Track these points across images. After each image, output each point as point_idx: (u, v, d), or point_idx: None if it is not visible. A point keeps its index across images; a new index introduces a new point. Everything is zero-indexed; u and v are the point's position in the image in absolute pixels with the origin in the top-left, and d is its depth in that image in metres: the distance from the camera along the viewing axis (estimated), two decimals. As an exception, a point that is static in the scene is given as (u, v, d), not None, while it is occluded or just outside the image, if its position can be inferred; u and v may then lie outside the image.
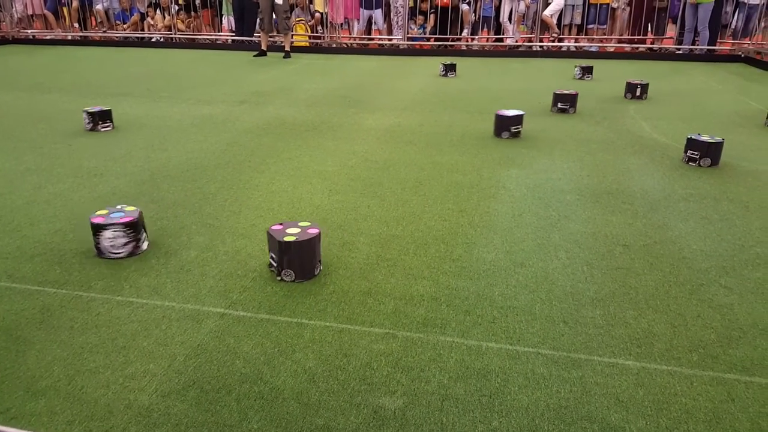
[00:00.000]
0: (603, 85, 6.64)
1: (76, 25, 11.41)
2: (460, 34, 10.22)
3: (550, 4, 9.68)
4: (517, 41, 10.13)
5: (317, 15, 10.57)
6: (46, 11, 11.49)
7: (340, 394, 1.54)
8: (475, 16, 10.11)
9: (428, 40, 10.21)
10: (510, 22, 10.12)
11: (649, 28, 9.81)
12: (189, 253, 2.38)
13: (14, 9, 11.43)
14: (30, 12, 11.52)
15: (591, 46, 9.92)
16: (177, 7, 10.87)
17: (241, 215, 2.76)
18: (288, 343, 1.77)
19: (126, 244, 2.33)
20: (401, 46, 10.25)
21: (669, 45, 9.65)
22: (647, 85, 5.78)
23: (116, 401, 1.51)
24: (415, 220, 2.72)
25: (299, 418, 1.46)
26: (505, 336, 1.81)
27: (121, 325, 1.86)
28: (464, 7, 9.94)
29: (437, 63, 7.78)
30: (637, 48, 9.96)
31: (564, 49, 9.98)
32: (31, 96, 5.97)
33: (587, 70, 7.13)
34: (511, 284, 2.13)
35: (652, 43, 9.93)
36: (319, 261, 2.22)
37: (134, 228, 2.34)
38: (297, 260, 2.12)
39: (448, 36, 10.09)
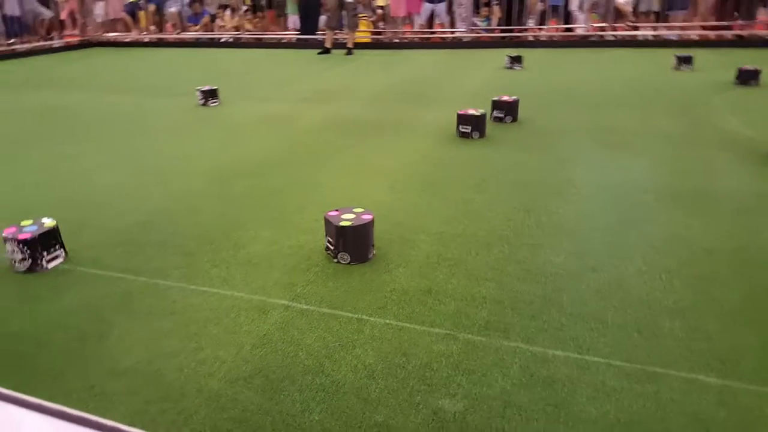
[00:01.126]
0: (690, 76, 6.32)
1: (152, 27, 11.98)
2: (526, 25, 9.99)
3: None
4: (588, 30, 9.76)
5: (379, 11, 10.62)
6: (124, 14, 12.13)
7: (400, 393, 1.57)
8: (543, 5, 9.84)
9: (493, 31, 10.04)
10: (581, 11, 9.77)
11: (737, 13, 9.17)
12: (256, 246, 2.47)
13: (97, 15, 12.14)
14: (111, 16, 12.19)
15: (671, 35, 9.41)
16: (245, 8, 11.20)
17: (305, 211, 2.84)
18: (349, 338, 1.82)
19: (23, 260, 2.26)
20: (464, 39, 10.13)
21: (761, 31, 8.99)
22: (759, 72, 5.62)
23: (189, 385, 1.60)
24: (477, 219, 2.70)
25: (359, 413, 1.50)
26: (573, 344, 1.76)
27: (194, 312, 1.97)
28: (531, -3, 9.72)
29: (502, 55, 7.65)
30: (723, 35, 9.33)
31: (640, 38, 9.52)
32: (110, 96, 6.33)
33: (685, 60, 6.73)
34: (581, 289, 2.07)
35: (742, 29, 9.28)
36: (373, 245, 2.33)
37: (31, 246, 2.24)
38: (352, 244, 2.26)
39: (513, 27, 9.89)
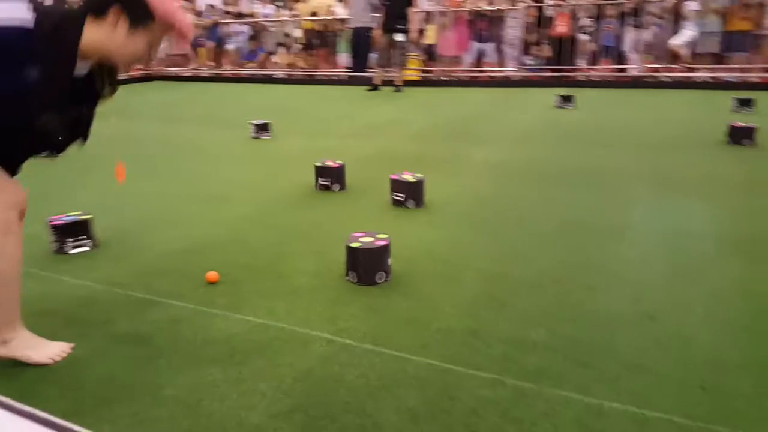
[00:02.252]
0: (750, 119, 6.11)
1: (211, 62, 12.54)
2: (577, 65, 9.93)
3: (679, 31, 9.12)
4: (642, 71, 9.61)
5: (424, 42, 10.80)
6: (188, 49, 12.75)
7: (444, 437, 1.50)
8: (595, 45, 9.78)
9: (542, 70, 10.02)
10: (634, 52, 9.65)
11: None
12: (300, 278, 2.47)
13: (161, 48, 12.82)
14: (174, 51, 12.84)
15: (730, 77, 9.14)
16: (299, 47, 11.60)
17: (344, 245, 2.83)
18: (391, 377, 1.76)
19: (54, 242, 2.72)
20: (513, 78, 10.15)
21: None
22: None
23: (229, 417, 1.58)
24: (527, 259, 2.63)
25: (402, 456, 1.44)
26: (630, 397, 1.65)
27: (238, 342, 1.96)
28: (582, 36, 9.67)
29: (552, 94, 7.60)
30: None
31: (697, 80, 9.30)
32: (169, 126, 6.60)
33: (745, 103, 6.50)
34: (639, 338, 1.96)
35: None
36: (385, 271, 2.41)
37: (61, 231, 2.71)
38: (361, 265, 2.38)
39: (563, 66, 9.84)
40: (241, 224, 3.16)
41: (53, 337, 1.99)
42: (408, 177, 3.41)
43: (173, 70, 12.83)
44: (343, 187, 3.75)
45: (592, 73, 9.92)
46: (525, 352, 1.89)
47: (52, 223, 2.72)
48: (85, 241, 2.72)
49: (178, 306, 2.22)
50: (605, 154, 4.66)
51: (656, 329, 2.01)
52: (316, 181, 3.79)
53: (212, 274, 2.41)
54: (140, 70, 12.71)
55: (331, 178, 3.73)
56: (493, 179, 4.01)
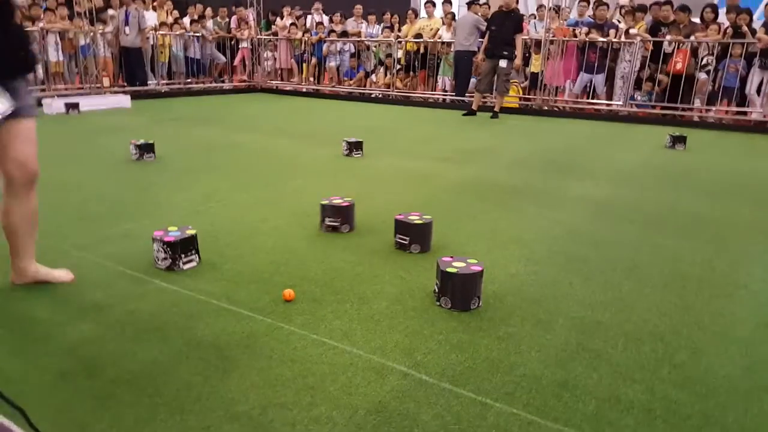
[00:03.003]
0: None
1: (312, 78, 13.00)
2: (692, 104, 9.28)
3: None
4: (766, 116, 8.82)
5: (529, 71, 10.54)
6: (292, 62, 13.32)
7: (524, 501, 1.36)
8: (714, 86, 9.09)
9: (654, 107, 9.45)
10: (758, 95, 8.89)
11: None
12: (380, 303, 2.41)
13: (266, 63, 13.50)
14: (278, 66, 13.45)
15: None
16: (398, 67, 11.74)
17: (432, 272, 2.73)
18: (469, 422, 1.64)
19: (164, 259, 2.65)
20: (621, 113, 9.66)
21: None
22: None
23: (298, 443, 1.53)
24: (626, 309, 2.41)
25: None
26: (739, 479, 1.45)
27: (312, 364, 1.92)
28: (702, 75, 9.02)
29: (663, 133, 7.13)
30: None
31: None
32: (266, 138, 6.85)
33: None
34: (752, 411, 1.73)
35: None
36: (478, 297, 2.38)
37: (172, 248, 2.64)
38: (457, 290, 2.34)
39: (677, 105, 9.23)
40: (326, 241, 3.16)
41: (138, 340, 2.05)
42: (415, 218, 3.06)
43: (275, 83, 13.43)
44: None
45: (709, 114, 9.22)
46: (620, 411, 1.71)
47: (165, 239, 2.62)
48: (194, 256, 2.72)
49: (256, 319, 2.22)
50: (719, 202, 4.26)
51: (776, 406, 1.75)
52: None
53: (289, 292, 2.40)
54: (244, 81, 13.44)
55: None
56: (592, 217, 3.77)
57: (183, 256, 2.66)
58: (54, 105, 8.57)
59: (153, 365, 1.88)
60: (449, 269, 2.35)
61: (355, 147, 5.68)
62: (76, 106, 8.68)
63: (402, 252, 3.01)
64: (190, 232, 2.74)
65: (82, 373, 1.83)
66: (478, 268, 2.38)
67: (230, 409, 1.66)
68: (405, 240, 3.00)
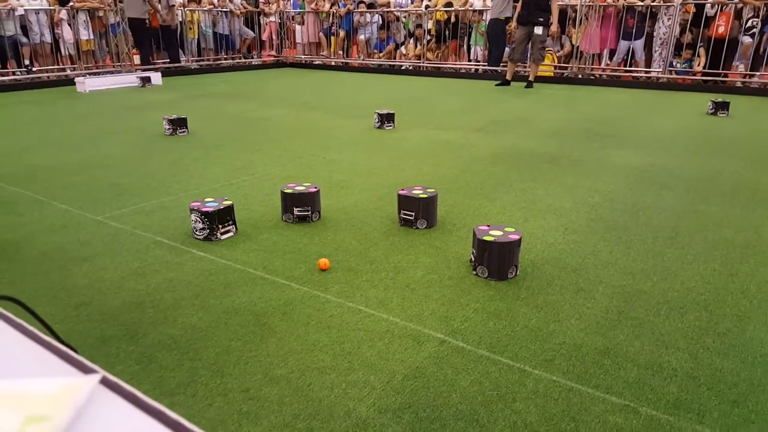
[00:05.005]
0: None
1: (341, 52, 12.88)
2: (736, 69, 8.88)
3: None
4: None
5: (567, 45, 10.22)
6: (321, 36, 13.21)
7: (566, 465, 1.34)
8: (761, 50, 8.66)
9: (694, 74, 9.09)
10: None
11: None
12: (416, 272, 2.39)
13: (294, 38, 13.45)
14: (308, 40, 13.36)
15: None
16: (429, 38, 11.53)
17: (468, 241, 2.70)
18: (508, 388, 1.63)
19: (203, 229, 2.67)
20: (660, 80, 9.32)
21: None
22: None
23: (337, 405, 1.54)
24: (669, 277, 2.34)
25: (516, 479, 1.30)
26: (790, 447, 1.40)
27: (349, 330, 1.92)
28: (746, 39, 8.60)
29: (704, 100, 6.87)
30: None
31: None
32: (297, 112, 6.83)
33: None
34: (801, 380, 1.67)
35: None
36: (516, 266, 2.33)
37: (210, 218, 2.65)
38: (494, 259, 2.29)
39: (719, 71, 8.85)
40: (360, 211, 3.15)
41: (177, 306, 2.08)
42: (419, 193, 2.92)
43: (304, 58, 13.37)
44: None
45: (753, 80, 8.81)
46: (663, 379, 1.67)
47: (203, 209, 2.64)
48: (231, 226, 2.76)
49: (293, 288, 2.23)
50: (764, 168, 4.09)
51: (833, 376, 1.68)
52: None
53: (324, 262, 2.41)
54: (273, 56, 13.41)
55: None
56: (633, 185, 3.66)
57: (221, 226, 2.69)
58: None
59: (193, 331, 1.91)
60: (486, 237, 2.31)
61: (386, 119, 5.62)
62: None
63: (438, 223, 2.97)
64: (227, 202, 2.76)
65: (124, 337, 1.87)
66: (516, 237, 2.33)
67: (269, 372, 1.68)
68: (410, 215, 2.89)
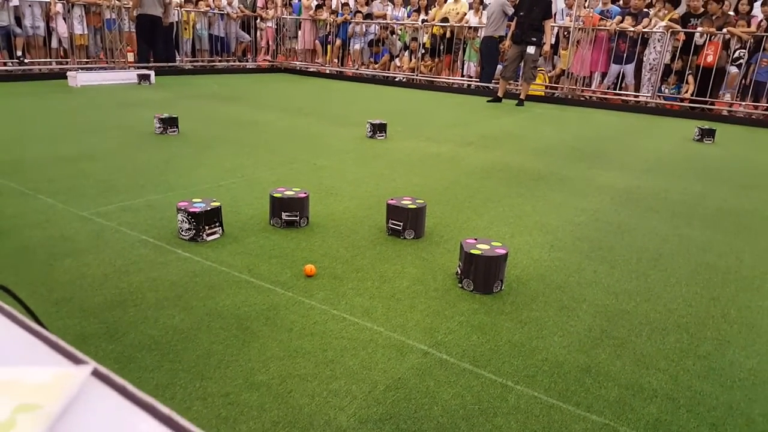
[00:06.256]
0: None
1: (336, 60, 12.93)
2: (723, 98, 9.04)
3: None
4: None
5: (559, 67, 10.35)
6: (317, 43, 13.24)
7: (545, 482, 1.34)
8: (745, 81, 8.84)
9: (681, 100, 9.24)
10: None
11: None
12: (402, 282, 2.39)
13: (292, 44, 13.46)
14: (301, 47, 13.39)
15: None
16: (423, 51, 11.61)
17: (454, 254, 2.71)
18: (490, 403, 1.63)
19: (188, 229, 2.66)
20: (649, 104, 9.47)
21: None
22: None
23: (318, 414, 1.52)
24: (651, 298, 2.36)
25: (495, 494, 1.30)
26: (767, 472, 1.41)
27: (332, 338, 1.91)
28: (733, 69, 8.78)
29: (690, 126, 7.00)
30: None
31: None
32: (289, 117, 6.83)
33: None
34: (779, 406, 1.69)
35: None
36: (501, 280, 2.34)
37: (197, 218, 2.64)
38: (480, 273, 2.29)
39: (707, 98, 9.01)
40: (347, 220, 3.15)
41: (159, 306, 2.06)
42: (408, 203, 2.92)
43: (299, 64, 13.39)
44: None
45: (739, 109, 8.98)
46: (643, 399, 1.68)
47: (190, 209, 2.62)
48: (218, 228, 2.74)
49: (277, 293, 2.22)
50: (747, 195, 4.16)
51: (810, 403, 1.70)
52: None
53: (310, 268, 2.40)
54: (268, 61, 13.41)
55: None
56: (619, 206, 3.70)
57: (207, 227, 2.67)
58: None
59: (174, 332, 1.89)
60: (473, 251, 2.32)
61: (378, 129, 5.63)
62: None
63: (426, 235, 2.98)
64: (215, 204, 2.74)
65: (104, 336, 1.84)
66: (503, 251, 2.35)
67: (250, 378, 1.66)
68: (398, 225, 2.89)
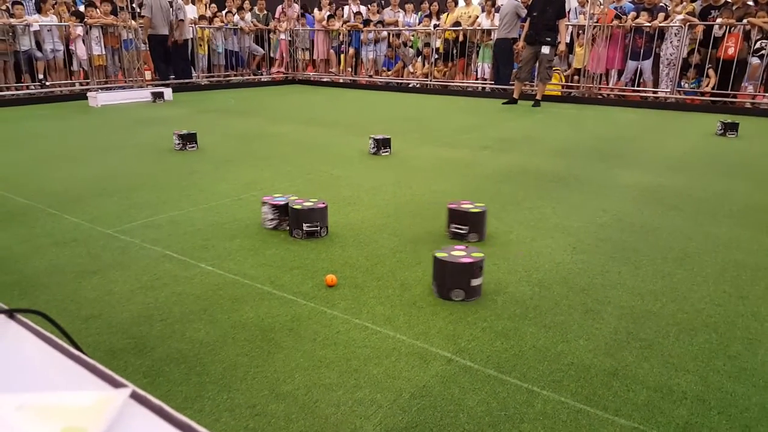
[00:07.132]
0: None
1: (349, 69, 13.00)
2: (745, 90, 8.88)
3: None
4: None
5: (573, 66, 10.27)
6: (331, 53, 13.34)
7: (575, 488, 1.33)
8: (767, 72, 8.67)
9: (702, 94, 9.10)
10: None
11: None
12: (422, 289, 2.39)
13: (305, 56, 13.59)
14: (315, 56, 13.50)
15: None
16: (436, 56, 11.62)
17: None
18: (516, 409, 1.61)
19: (272, 219, 3.04)
20: (668, 100, 9.34)
21: None
22: None
23: (343, 423, 1.53)
24: (678, 299, 2.33)
25: (524, 501, 1.29)
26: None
27: (356, 347, 1.92)
28: (755, 60, 8.62)
29: (712, 120, 6.87)
30: None
31: None
32: (304, 128, 6.89)
33: None
34: (814, 406, 1.65)
35: None
36: (465, 291, 2.27)
37: (280, 210, 3.01)
38: (441, 278, 2.29)
39: (728, 91, 8.85)
40: (366, 228, 3.16)
41: (185, 320, 2.08)
42: (468, 206, 2.97)
43: (313, 75, 13.50)
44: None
45: (763, 101, 8.80)
46: (672, 402, 1.65)
47: (272, 203, 3.02)
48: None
49: (300, 303, 2.23)
50: (776, 188, 4.07)
51: None
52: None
53: (331, 278, 2.41)
54: (282, 73, 13.55)
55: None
56: (641, 205, 3.65)
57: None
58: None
59: (200, 345, 1.91)
60: (440, 254, 2.31)
61: (383, 144, 5.18)
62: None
63: (446, 240, 2.97)
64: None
65: (132, 350, 1.88)
66: (470, 260, 2.27)
67: (276, 388, 1.68)
68: (463, 229, 2.92)
